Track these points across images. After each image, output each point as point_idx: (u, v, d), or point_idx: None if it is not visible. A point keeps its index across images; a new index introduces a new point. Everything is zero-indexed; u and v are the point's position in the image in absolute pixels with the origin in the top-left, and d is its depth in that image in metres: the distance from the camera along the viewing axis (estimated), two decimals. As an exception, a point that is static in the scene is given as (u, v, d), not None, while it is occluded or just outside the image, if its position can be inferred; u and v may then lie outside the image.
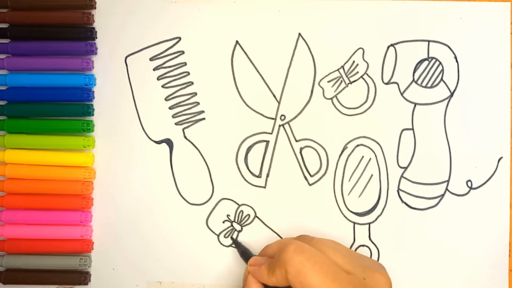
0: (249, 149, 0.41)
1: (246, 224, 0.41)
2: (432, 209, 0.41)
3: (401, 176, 0.41)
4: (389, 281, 0.33)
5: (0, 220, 0.40)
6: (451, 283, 0.40)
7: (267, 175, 0.41)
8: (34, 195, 0.40)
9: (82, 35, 0.40)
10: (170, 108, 0.41)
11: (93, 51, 0.40)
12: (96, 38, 0.41)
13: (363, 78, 0.41)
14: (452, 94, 0.41)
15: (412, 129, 0.41)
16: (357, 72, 0.41)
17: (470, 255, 0.40)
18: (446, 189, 0.41)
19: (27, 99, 0.40)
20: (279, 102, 0.41)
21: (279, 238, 0.41)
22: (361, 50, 0.41)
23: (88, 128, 0.40)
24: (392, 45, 0.41)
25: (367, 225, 0.41)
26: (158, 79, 0.41)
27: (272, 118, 0.41)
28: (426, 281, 0.40)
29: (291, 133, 0.41)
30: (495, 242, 0.40)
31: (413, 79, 0.41)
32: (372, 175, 0.41)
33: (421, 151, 0.41)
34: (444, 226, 0.40)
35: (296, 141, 0.41)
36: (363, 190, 0.41)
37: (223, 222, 0.41)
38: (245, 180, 0.41)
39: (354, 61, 0.41)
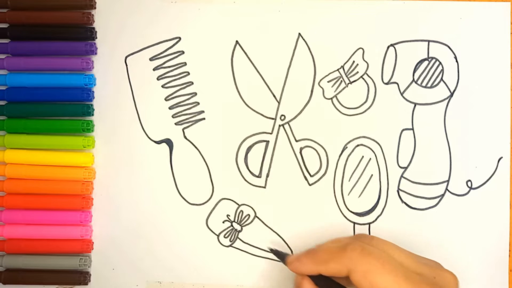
0: (249, 149, 0.41)
1: (246, 224, 0.41)
2: (432, 209, 0.41)
3: (401, 176, 0.41)
4: (457, 279, 0.33)
5: (0, 220, 0.40)
6: (451, 283, 0.40)
7: (267, 175, 0.41)
8: (34, 195, 0.40)
9: (82, 35, 0.40)
10: (170, 108, 0.41)
11: (93, 51, 0.40)
12: (96, 38, 0.41)
13: (363, 78, 0.41)
14: (452, 94, 0.41)
15: (412, 129, 0.41)
16: (357, 72, 0.41)
17: (470, 255, 0.40)
18: (446, 189, 0.41)
19: (27, 99, 0.40)
20: (279, 102, 0.41)
21: (279, 238, 0.41)
22: (361, 50, 0.41)
23: (88, 128, 0.40)
24: (392, 45, 0.41)
25: (367, 225, 0.41)
26: (158, 79, 0.41)
27: (272, 118, 0.41)
28: (426, 281, 0.40)
29: (291, 133, 0.41)
30: (495, 242, 0.40)
31: (413, 79, 0.41)
32: (372, 175, 0.41)
33: (421, 151, 0.41)
34: (444, 226, 0.40)
35: (296, 141, 0.41)
36: (363, 190, 0.41)
37: (223, 222, 0.41)
38: (245, 180, 0.41)
39: (354, 61, 0.41)
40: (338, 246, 0.33)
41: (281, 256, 0.37)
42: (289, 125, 0.41)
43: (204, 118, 0.41)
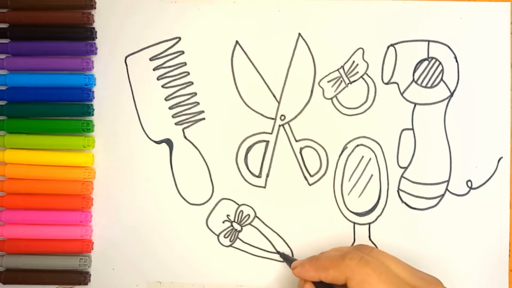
0: (249, 149, 0.41)
1: (246, 224, 0.41)
2: (432, 209, 0.41)
3: (401, 176, 0.41)
4: None
5: (0, 220, 0.40)
6: (451, 283, 0.40)
7: (267, 175, 0.41)
8: (34, 195, 0.40)
9: (82, 35, 0.40)
10: (170, 108, 0.41)
11: (93, 51, 0.40)
12: (96, 38, 0.41)
13: (363, 78, 0.41)
14: (452, 94, 0.41)
15: (412, 129, 0.41)
16: (357, 72, 0.41)
17: (470, 255, 0.40)
18: (446, 189, 0.41)
19: (27, 99, 0.40)
20: (279, 102, 0.41)
21: (279, 238, 0.41)
22: (361, 50, 0.41)
23: (88, 128, 0.40)
24: (392, 45, 0.41)
25: (367, 225, 0.41)
26: (158, 79, 0.41)
27: (272, 118, 0.41)
28: (426, 281, 0.40)
29: (291, 133, 0.41)
30: (495, 242, 0.40)
31: (413, 79, 0.41)
32: (372, 175, 0.41)
33: (421, 151, 0.41)
34: (444, 226, 0.40)
35: (296, 141, 0.41)
36: (363, 190, 0.41)
37: (223, 222, 0.41)
38: (245, 180, 0.41)
39: (354, 61, 0.41)
40: (338, 254, 0.34)
41: (288, 261, 0.38)
42: (289, 125, 0.41)
43: (204, 118, 0.41)
